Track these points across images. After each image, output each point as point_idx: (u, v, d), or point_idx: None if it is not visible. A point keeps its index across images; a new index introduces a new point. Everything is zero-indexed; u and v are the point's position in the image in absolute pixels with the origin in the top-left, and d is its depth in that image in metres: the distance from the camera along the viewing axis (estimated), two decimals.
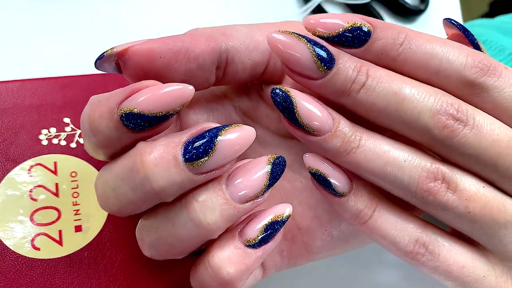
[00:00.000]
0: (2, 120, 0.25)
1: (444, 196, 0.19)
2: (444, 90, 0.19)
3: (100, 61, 0.19)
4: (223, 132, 0.18)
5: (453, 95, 0.19)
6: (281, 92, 0.19)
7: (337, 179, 0.20)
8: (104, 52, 0.19)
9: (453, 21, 0.22)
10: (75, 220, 0.24)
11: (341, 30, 0.19)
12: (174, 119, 0.19)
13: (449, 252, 0.20)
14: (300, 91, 0.20)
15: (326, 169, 0.20)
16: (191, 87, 0.18)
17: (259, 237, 0.20)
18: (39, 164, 0.25)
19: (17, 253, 0.23)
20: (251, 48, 0.21)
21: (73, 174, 0.25)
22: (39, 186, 0.24)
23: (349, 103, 0.19)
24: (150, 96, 0.18)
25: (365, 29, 0.19)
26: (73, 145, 0.26)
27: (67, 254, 0.23)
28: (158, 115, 0.18)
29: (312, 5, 0.39)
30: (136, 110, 0.18)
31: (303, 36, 0.19)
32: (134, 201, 0.18)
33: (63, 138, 0.26)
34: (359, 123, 0.20)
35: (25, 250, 0.23)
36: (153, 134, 0.19)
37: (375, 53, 0.20)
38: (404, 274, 0.30)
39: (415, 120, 0.19)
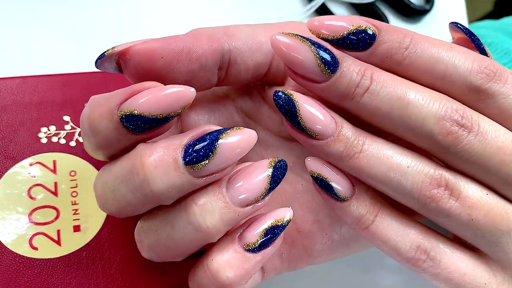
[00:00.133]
0: (2, 118, 0.25)
1: (447, 203, 0.19)
2: (449, 95, 0.19)
3: (100, 60, 0.19)
4: (224, 135, 0.18)
5: (458, 101, 0.19)
6: (283, 95, 0.19)
7: (339, 184, 0.20)
8: (105, 52, 0.19)
9: (459, 25, 0.22)
10: (73, 219, 0.24)
11: (345, 32, 0.19)
12: (175, 121, 0.18)
13: (450, 259, 0.20)
14: (303, 94, 0.19)
15: (328, 173, 0.20)
16: (193, 89, 0.18)
17: (259, 242, 0.20)
18: (38, 162, 0.25)
19: (15, 253, 0.23)
20: (254, 49, 0.21)
21: (72, 173, 0.25)
22: (38, 184, 0.24)
23: (353, 107, 0.19)
24: (151, 97, 0.17)
25: (370, 32, 0.19)
26: (72, 143, 0.25)
27: (65, 254, 0.23)
28: (158, 117, 0.17)
29: (316, 4, 0.39)
30: (136, 111, 0.17)
31: (307, 39, 0.19)
32: (133, 203, 0.18)
33: (62, 137, 0.25)
34: (362, 127, 0.20)
35: (23, 250, 0.23)
36: (153, 136, 0.19)
37: (380, 56, 0.19)
38: (405, 278, 0.30)
39: (419, 126, 0.19)
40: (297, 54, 0.19)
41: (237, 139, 0.18)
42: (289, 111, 0.19)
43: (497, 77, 0.19)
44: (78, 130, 0.26)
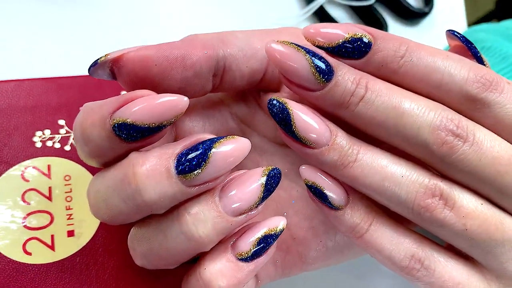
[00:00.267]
0: None
1: (441, 213, 0.19)
2: (445, 105, 0.19)
3: (93, 68, 0.19)
4: (217, 144, 0.18)
5: (454, 110, 0.19)
6: (278, 103, 0.19)
7: (333, 192, 0.20)
8: (98, 59, 0.19)
9: (455, 33, 0.21)
10: (67, 224, 0.24)
11: (341, 41, 0.19)
12: (168, 129, 0.18)
13: (444, 268, 0.20)
14: (298, 101, 0.19)
15: (322, 182, 0.20)
16: (186, 98, 0.18)
17: (252, 251, 0.19)
18: (33, 166, 0.25)
19: (8, 258, 0.23)
20: (249, 56, 0.21)
21: (67, 178, 0.25)
22: (32, 189, 0.24)
23: (347, 116, 0.19)
24: (144, 106, 0.17)
25: (366, 40, 0.19)
26: (67, 147, 0.25)
27: (59, 259, 0.23)
28: (151, 126, 0.17)
29: (314, 6, 0.38)
30: (129, 120, 0.17)
31: (302, 47, 0.18)
32: (126, 212, 0.18)
33: (57, 141, 0.25)
34: (357, 135, 0.20)
35: (16, 255, 0.23)
36: (146, 145, 0.19)
37: (376, 65, 0.19)
38: (400, 285, 0.30)
39: (414, 136, 0.18)
40: (292, 62, 0.18)
41: (231, 148, 0.18)
42: (283, 119, 0.19)
43: (493, 87, 0.19)
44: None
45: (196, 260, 0.21)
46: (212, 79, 0.21)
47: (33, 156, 0.25)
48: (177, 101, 0.17)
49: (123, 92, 0.27)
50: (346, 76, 0.19)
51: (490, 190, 0.19)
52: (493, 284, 0.20)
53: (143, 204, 0.17)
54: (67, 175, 0.25)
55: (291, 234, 0.24)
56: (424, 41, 0.20)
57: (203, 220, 0.18)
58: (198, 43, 0.20)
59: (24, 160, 0.25)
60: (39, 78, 0.26)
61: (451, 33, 0.22)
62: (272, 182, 0.20)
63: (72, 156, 0.25)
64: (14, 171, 0.24)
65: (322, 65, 0.18)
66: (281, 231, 0.20)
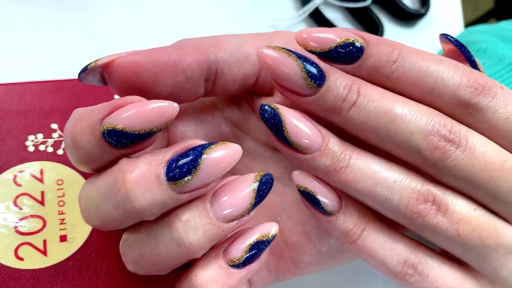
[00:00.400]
0: None
1: (434, 218, 0.19)
2: (438, 109, 0.19)
3: (84, 73, 0.19)
4: (208, 150, 0.18)
5: (447, 115, 0.19)
6: (269, 109, 0.19)
7: (326, 198, 0.20)
8: (88, 65, 0.19)
9: (449, 37, 0.21)
10: (60, 229, 0.24)
11: (333, 45, 0.19)
12: (158, 136, 0.18)
13: (438, 273, 0.20)
14: (290, 106, 0.19)
15: (315, 187, 0.20)
16: (176, 105, 0.17)
17: (244, 257, 0.19)
18: (25, 171, 0.24)
19: (0, 263, 0.22)
20: (241, 60, 0.21)
21: (60, 182, 0.25)
22: (25, 194, 0.24)
23: (340, 121, 0.19)
24: (134, 112, 0.17)
25: (358, 44, 0.19)
26: (60, 152, 0.25)
27: (51, 264, 0.23)
28: (141, 132, 0.17)
29: (309, 8, 0.38)
30: (118, 126, 0.17)
31: (293, 52, 0.18)
32: (116, 218, 0.18)
33: (50, 145, 0.25)
34: (350, 139, 0.20)
35: (8, 260, 0.23)
36: (136, 151, 0.18)
37: (368, 70, 0.19)
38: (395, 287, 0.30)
39: (407, 141, 0.18)
40: (283, 67, 0.18)
41: (222, 154, 0.18)
42: (275, 125, 0.19)
43: (486, 91, 0.19)
44: None
45: (188, 266, 0.21)
46: (204, 83, 0.21)
47: (26, 161, 0.25)
48: (167, 108, 0.17)
49: (117, 97, 0.27)
50: (338, 81, 0.18)
51: (483, 195, 0.19)
52: None
53: (133, 211, 0.17)
54: (59, 180, 0.25)
55: (284, 239, 0.24)
56: (420, 43, 0.20)
57: (194, 226, 0.18)
58: (190, 47, 0.20)
59: (16, 165, 0.24)
60: (32, 82, 0.26)
61: (445, 37, 0.22)
62: (264, 188, 0.19)
63: (65, 160, 0.25)
64: (6, 176, 0.24)
65: (314, 70, 0.18)
66: (274, 237, 0.20)
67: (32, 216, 0.24)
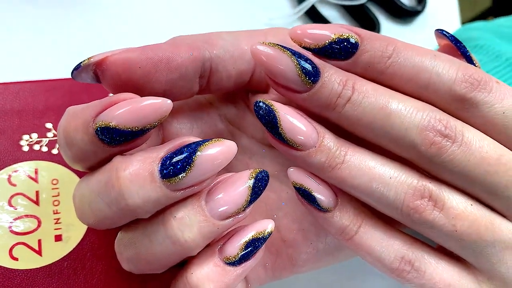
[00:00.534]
0: None
1: (431, 214, 0.18)
2: (434, 105, 0.19)
3: (77, 71, 0.19)
4: (202, 147, 0.18)
5: (442, 110, 0.19)
6: (264, 106, 0.19)
7: (322, 194, 0.20)
8: (81, 62, 0.19)
9: (444, 32, 0.21)
10: (55, 229, 0.24)
11: (327, 41, 0.19)
12: (151, 133, 0.18)
13: (435, 270, 0.20)
14: (285, 103, 0.19)
15: (310, 184, 0.20)
16: (169, 101, 0.17)
17: (239, 255, 0.19)
18: (19, 171, 0.24)
19: None
20: (236, 57, 0.21)
21: (54, 182, 0.25)
22: (19, 193, 0.24)
23: (335, 117, 0.19)
24: (127, 109, 0.17)
25: (353, 40, 0.19)
26: (54, 151, 0.25)
27: (47, 264, 0.23)
28: (134, 129, 0.17)
29: (305, 6, 0.38)
30: (112, 124, 0.17)
31: (288, 49, 0.18)
32: (110, 216, 0.18)
33: (44, 144, 0.25)
34: (346, 136, 0.20)
35: (3, 260, 0.22)
36: (130, 148, 0.18)
37: (363, 65, 0.19)
38: (390, 286, 0.30)
39: (402, 137, 0.18)
40: (278, 64, 0.18)
41: (216, 151, 0.18)
42: (269, 121, 0.19)
43: (481, 86, 0.19)
44: None
45: (184, 264, 0.20)
46: (198, 80, 0.21)
47: (20, 160, 0.24)
48: (161, 104, 0.17)
49: (111, 95, 0.27)
50: (333, 77, 0.18)
51: (480, 191, 0.19)
52: (484, 286, 0.20)
53: (126, 209, 0.17)
54: (54, 179, 0.25)
55: (281, 237, 0.24)
56: (417, 40, 0.20)
57: (188, 224, 0.18)
58: (183, 44, 0.20)
59: (10, 164, 0.24)
60: (26, 81, 0.26)
61: (440, 33, 0.21)
62: (259, 185, 0.19)
63: (59, 159, 0.25)
64: (1, 176, 0.24)
65: (308, 67, 0.18)
66: (269, 234, 0.20)
67: (26, 216, 0.24)
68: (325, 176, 0.19)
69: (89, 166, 0.19)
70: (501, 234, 0.19)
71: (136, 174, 0.17)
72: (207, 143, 0.18)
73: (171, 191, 0.17)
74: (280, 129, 0.18)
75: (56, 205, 0.24)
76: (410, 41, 0.20)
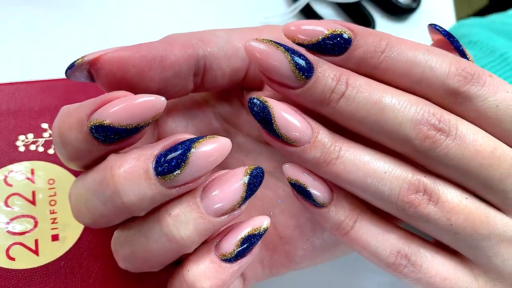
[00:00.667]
0: None
1: (426, 208, 0.19)
2: (427, 99, 0.19)
3: (71, 70, 0.19)
4: (196, 144, 0.18)
5: (436, 104, 0.19)
6: (258, 102, 0.19)
7: (317, 190, 0.20)
8: (75, 61, 0.19)
9: (437, 27, 0.21)
10: (52, 229, 0.24)
11: (321, 37, 0.19)
12: (146, 131, 0.18)
13: (431, 264, 0.20)
14: (280, 99, 0.19)
15: (306, 179, 0.20)
16: (163, 99, 0.17)
17: (236, 251, 0.19)
18: (16, 171, 0.24)
19: None
20: (230, 54, 0.21)
21: (51, 182, 0.25)
22: (15, 194, 0.24)
23: (329, 112, 0.19)
24: (121, 107, 0.17)
25: (346, 36, 0.19)
26: (51, 151, 0.25)
27: (43, 264, 0.23)
28: (128, 127, 0.17)
29: (300, 4, 0.38)
30: (106, 122, 0.17)
31: (281, 45, 0.18)
32: (106, 214, 0.18)
33: (40, 144, 0.25)
34: (340, 131, 0.20)
35: (0, 260, 0.22)
36: (124, 146, 0.18)
37: (356, 61, 0.19)
38: (389, 280, 0.30)
39: (396, 131, 0.18)
40: (272, 60, 0.18)
41: (211, 148, 0.18)
42: (264, 118, 0.19)
43: (474, 80, 0.19)
44: None
45: (181, 262, 0.20)
46: (193, 78, 0.21)
47: (16, 161, 0.24)
48: (155, 102, 0.17)
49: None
50: (327, 72, 0.18)
51: (474, 184, 0.19)
52: (480, 279, 0.20)
53: (122, 206, 0.17)
54: (50, 179, 0.25)
55: (278, 233, 0.24)
56: (412, 38, 0.20)
57: (184, 221, 0.18)
58: (177, 42, 0.20)
59: (7, 165, 0.24)
60: (22, 82, 0.26)
61: (433, 27, 0.22)
62: (255, 182, 0.19)
63: (55, 159, 0.25)
64: None
65: (302, 63, 0.18)
66: (265, 230, 0.20)
67: (23, 216, 0.24)
68: (320, 171, 0.19)
69: (84, 165, 0.19)
70: (496, 227, 0.19)
71: (131, 172, 0.17)
72: (201, 140, 0.18)
73: (166, 188, 0.17)
74: (274, 125, 0.19)
75: (52, 205, 0.24)
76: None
